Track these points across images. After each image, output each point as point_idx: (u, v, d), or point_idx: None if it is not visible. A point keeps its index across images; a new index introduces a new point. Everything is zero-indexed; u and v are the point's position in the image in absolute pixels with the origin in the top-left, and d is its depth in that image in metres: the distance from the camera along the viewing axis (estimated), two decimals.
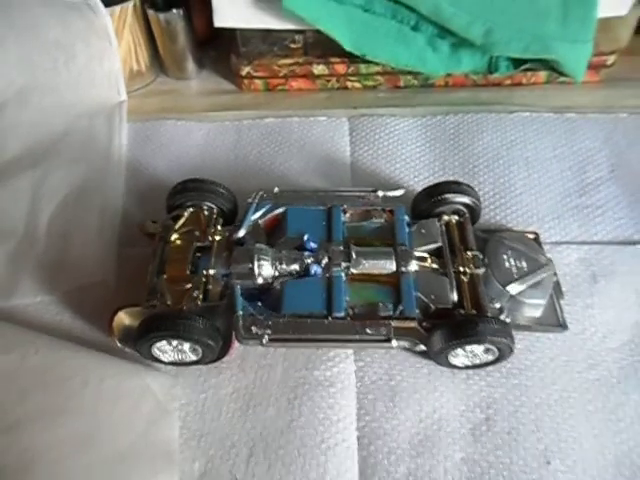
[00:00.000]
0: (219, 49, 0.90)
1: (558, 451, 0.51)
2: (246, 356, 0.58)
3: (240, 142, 0.77)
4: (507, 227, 0.66)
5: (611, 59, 0.83)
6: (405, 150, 0.75)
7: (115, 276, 0.63)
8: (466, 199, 0.60)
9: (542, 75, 0.83)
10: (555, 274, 0.58)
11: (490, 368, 0.55)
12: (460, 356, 0.53)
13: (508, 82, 0.83)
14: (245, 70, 0.83)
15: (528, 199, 0.69)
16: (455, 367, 0.55)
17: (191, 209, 0.60)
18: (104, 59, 0.79)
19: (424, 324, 0.53)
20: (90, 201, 0.69)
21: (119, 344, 0.55)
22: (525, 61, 0.78)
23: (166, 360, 0.54)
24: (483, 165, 0.72)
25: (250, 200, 0.61)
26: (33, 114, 0.77)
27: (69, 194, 0.70)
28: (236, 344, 0.56)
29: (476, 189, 0.67)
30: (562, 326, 0.57)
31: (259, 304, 0.54)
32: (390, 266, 0.55)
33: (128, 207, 0.70)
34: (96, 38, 0.78)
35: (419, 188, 0.69)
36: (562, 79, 0.82)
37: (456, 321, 0.52)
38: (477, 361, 0.54)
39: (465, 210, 0.61)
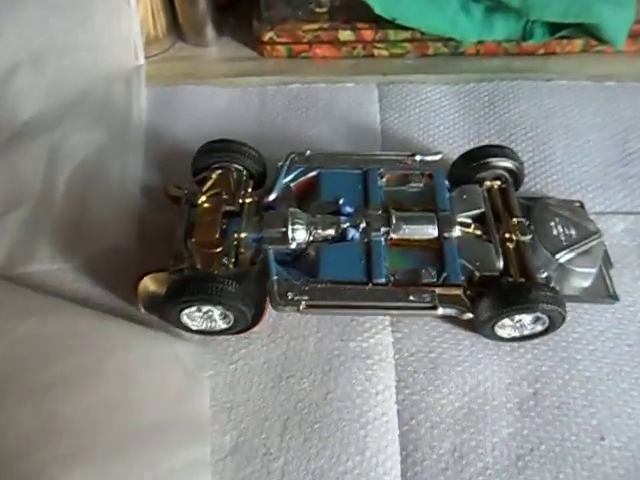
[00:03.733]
0: (239, 15, 0.86)
1: (612, 427, 0.48)
2: (277, 327, 0.54)
3: (264, 108, 0.74)
4: (549, 196, 0.63)
5: None
6: (438, 118, 0.71)
7: (136, 242, 0.60)
8: (509, 164, 0.57)
9: (578, 43, 0.79)
10: (604, 243, 0.55)
11: (536, 341, 0.52)
12: (507, 327, 0.50)
13: (542, 51, 0.80)
14: (267, 36, 0.79)
15: (569, 168, 0.66)
16: (500, 339, 0.52)
17: (219, 171, 0.56)
18: (121, 20, 0.75)
19: (469, 292, 0.50)
20: (109, 164, 0.66)
21: (144, 311, 0.52)
22: (562, 27, 0.75)
23: (194, 328, 0.51)
24: (521, 133, 0.69)
25: (281, 163, 0.58)
26: (49, 76, 0.73)
27: (87, 157, 0.67)
28: (266, 315, 0.53)
29: None
30: (612, 297, 0.54)
31: (294, 270, 0.51)
32: (432, 231, 0.52)
33: (147, 173, 0.66)
34: None
35: (455, 155, 0.67)
36: (598, 48, 0.79)
37: (505, 288, 0.49)
38: (525, 332, 0.51)
39: (508, 175, 0.58)
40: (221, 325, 0.51)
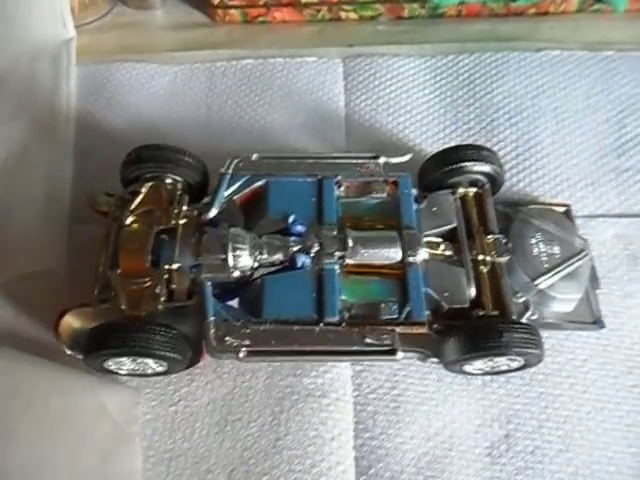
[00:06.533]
0: None
1: (590, 475, 0.44)
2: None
3: (213, 90, 0.64)
4: (532, 196, 0.56)
5: None
6: (410, 100, 0.62)
7: (66, 262, 0.53)
8: (487, 167, 0.50)
9: (573, 2, 0.69)
10: (591, 259, 0.49)
11: (511, 373, 0.47)
12: (477, 365, 0.45)
13: (532, 11, 0.70)
14: None
15: (557, 161, 0.58)
16: (470, 374, 0.47)
17: (150, 183, 0.49)
18: None
19: (435, 326, 0.44)
20: (33, 167, 0.58)
21: (69, 352, 0.45)
22: None
23: (124, 373, 0.45)
24: (504, 119, 0.61)
25: (223, 170, 0.50)
26: None
27: (8, 158, 0.58)
28: (205, 356, 0.46)
29: (496, 149, 0.57)
30: (597, 323, 0.48)
31: (235, 305, 0.45)
32: (395, 255, 0.45)
33: (79, 174, 0.58)
34: None
35: (427, 147, 0.59)
36: (597, 6, 0.69)
37: (474, 327, 0.43)
38: (497, 369, 0.46)
39: (485, 180, 0.50)
40: (155, 369, 0.45)
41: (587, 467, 0.44)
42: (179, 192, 0.49)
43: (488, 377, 0.47)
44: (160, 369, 0.45)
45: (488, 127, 0.60)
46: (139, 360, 0.43)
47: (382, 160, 0.51)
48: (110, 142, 0.60)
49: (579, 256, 0.47)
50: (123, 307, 0.43)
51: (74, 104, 0.63)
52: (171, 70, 0.66)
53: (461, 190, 0.50)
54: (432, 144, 0.59)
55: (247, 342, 0.42)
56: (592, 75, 0.63)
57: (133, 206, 0.48)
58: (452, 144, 0.58)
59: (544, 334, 0.45)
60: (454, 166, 0.49)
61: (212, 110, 0.63)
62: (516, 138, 0.59)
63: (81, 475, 0.41)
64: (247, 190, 0.49)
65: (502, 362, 0.44)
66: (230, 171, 0.49)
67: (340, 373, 0.48)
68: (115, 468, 0.42)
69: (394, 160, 0.51)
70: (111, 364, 0.44)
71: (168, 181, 0.49)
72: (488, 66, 0.64)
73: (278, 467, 0.44)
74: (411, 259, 0.45)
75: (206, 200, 0.50)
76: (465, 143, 0.55)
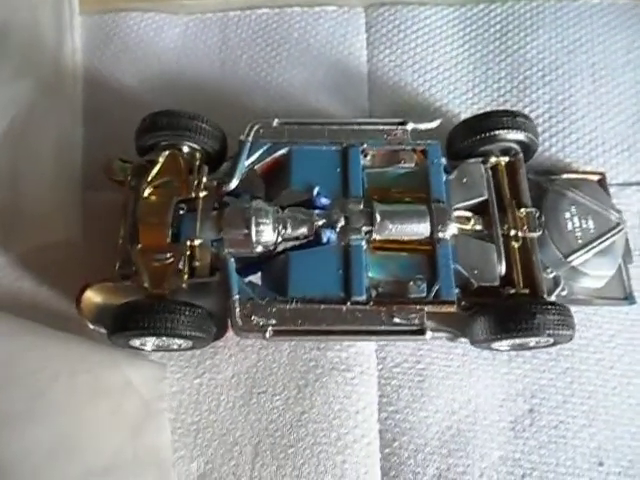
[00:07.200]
0: None
1: (613, 450, 0.44)
2: None
3: (227, 43, 0.60)
4: (564, 162, 0.54)
5: None
6: (437, 54, 0.59)
7: (82, 230, 0.52)
8: (522, 135, 0.47)
9: None
10: (625, 232, 0.47)
11: (537, 349, 0.46)
12: (506, 342, 0.44)
13: None
14: None
15: (592, 124, 0.55)
16: (497, 351, 0.46)
17: (167, 152, 0.46)
18: None
19: (463, 303, 0.44)
20: (42, 128, 0.55)
21: (92, 326, 0.45)
22: None
23: (149, 349, 0.45)
24: (537, 77, 0.57)
25: (243, 137, 0.47)
26: None
27: (15, 119, 0.56)
28: (229, 331, 0.46)
29: (527, 110, 0.54)
30: (628, 299, 0.47)
31: (259, 283, 0.44)
32: (424, 230, 0.44)
33: (88, 136, 0.55)
34: None
35: (454, 108, 0.56)
36: None
37: (505, 307, 0.42)
38: (525, 345, 0.45)
39: (518, 148, 0.48)
40: (180, 345, 0.45)
41: (610, 442, 0.44)
42: (197, 162, 0.47)
43: (514, 352, 0.47)
44: (185, 345, 0.45)
45: (520, 86, 0.57)
46: (164, 338, 0.43)
47: (410, 126, 0.48)
48: (120, 102, 0.57)
49: (614, 231, 0.45)
50: (146, 285, 0.42)
51: (80, 60, 0.59)
52: (181, 21, 0.62)
53: (493, 159, 0.48)
54: (460, 104, 0.56)
55: (273, 321, 0.41)
56: (633, 27, 0.59)
57: (150, 177, 0.46)
58: (481, 104, 0.56)
59: (572, 309, 0.44)
60: (487, 134, 0.46)
61: (226, 65, 0.59)
62: (549, 99, 0.56)
63: (110, 451, 0.41)
64: (268, 159, 0.47)
65: (532, 340, 0.43)
66: (250, 139, 0.47)
67: (364, 347, 0.48)
68: (144, 443, 0.42)
69: (423, 126, 0.48)
70: (136, 342, 0.43)
71: (185, 149, 0.47)
72: (522, 17, 0.59)
73: (304, 439, 0.45)
74: (440, 235, 0.44)
75: (224, 167, 0.48)
76: (498, 109, 0.52)
